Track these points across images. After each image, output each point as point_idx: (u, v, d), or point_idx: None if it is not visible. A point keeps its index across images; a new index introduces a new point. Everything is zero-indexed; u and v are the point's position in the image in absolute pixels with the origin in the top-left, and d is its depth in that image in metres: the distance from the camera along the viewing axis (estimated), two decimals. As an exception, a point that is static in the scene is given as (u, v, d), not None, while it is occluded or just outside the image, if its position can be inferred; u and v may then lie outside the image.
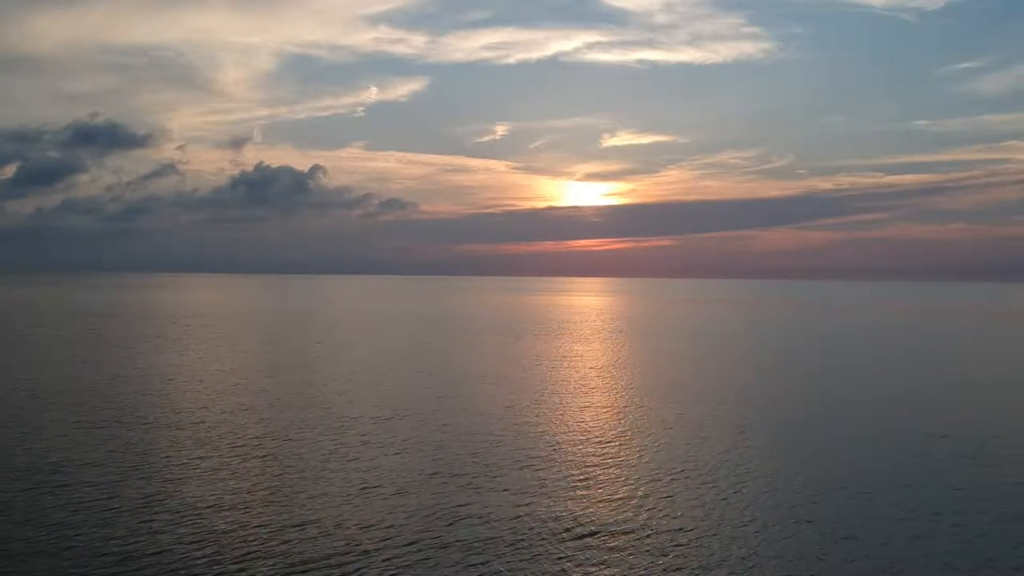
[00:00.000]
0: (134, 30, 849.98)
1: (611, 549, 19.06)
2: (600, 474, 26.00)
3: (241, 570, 17.30)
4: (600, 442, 30.76)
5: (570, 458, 28.07)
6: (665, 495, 23.60)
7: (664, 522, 21.07)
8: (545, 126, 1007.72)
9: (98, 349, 62.09)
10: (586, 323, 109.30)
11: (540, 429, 33.07)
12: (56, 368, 49.71)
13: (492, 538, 19.60)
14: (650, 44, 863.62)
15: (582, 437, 31.65)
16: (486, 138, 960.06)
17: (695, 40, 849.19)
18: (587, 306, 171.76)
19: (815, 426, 35.31)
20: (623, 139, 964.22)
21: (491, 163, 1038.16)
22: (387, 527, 20.28)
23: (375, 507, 21.94)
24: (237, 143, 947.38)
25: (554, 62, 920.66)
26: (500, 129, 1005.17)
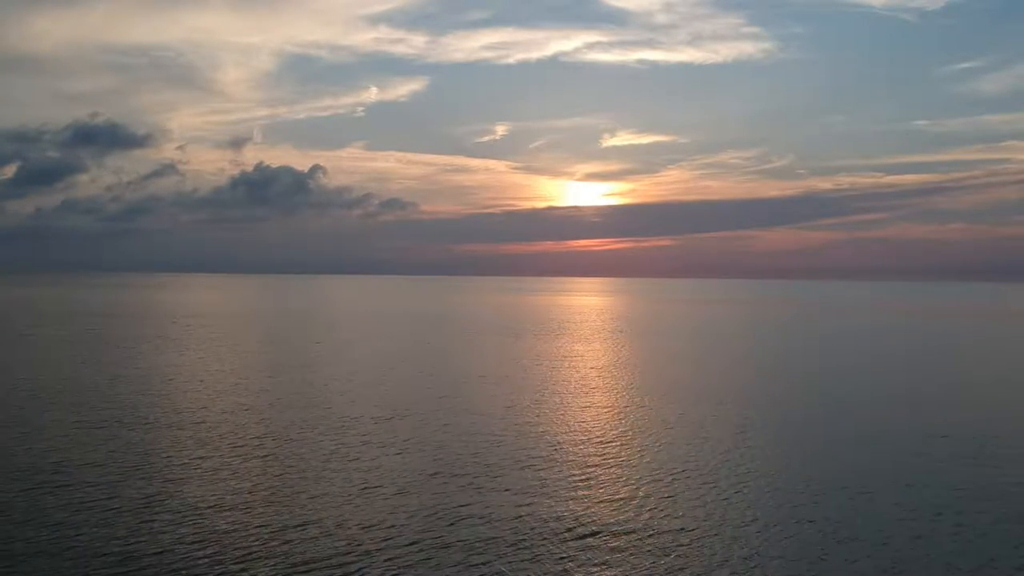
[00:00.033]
0: (134, 30, 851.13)
1: (612, 549, 19.05)
2: (601, 474, 26.00)
3: (242, 570, 17.30)
4: (601, 442, 30.76)
5: (571, 458, 28.07)
6: (666, 495, 23.59)
7: (665, 522, 21.07)
8: (545, 126, 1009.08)
9: (98, 349, 62.07)
10: (586, 323, 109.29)
11: (541, 429, 33.06)
12: (56, 368, 49.70)
13: (493, 538, 19.59)
14: (650, 44, 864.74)
15: (583, 437, 31.64)
16: (486, 138, 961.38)
17: (695, 40, 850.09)
18: (587, 306, 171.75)
19: (815, 426, 35.31)
20: (623, 139, 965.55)
21: (491, 163, 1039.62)
22: (388, 527, 20.28)
23: (376, 507, 21.94)
24: (237, 143, 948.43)
25: (554, 62, 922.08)
26: (500, 129, 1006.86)
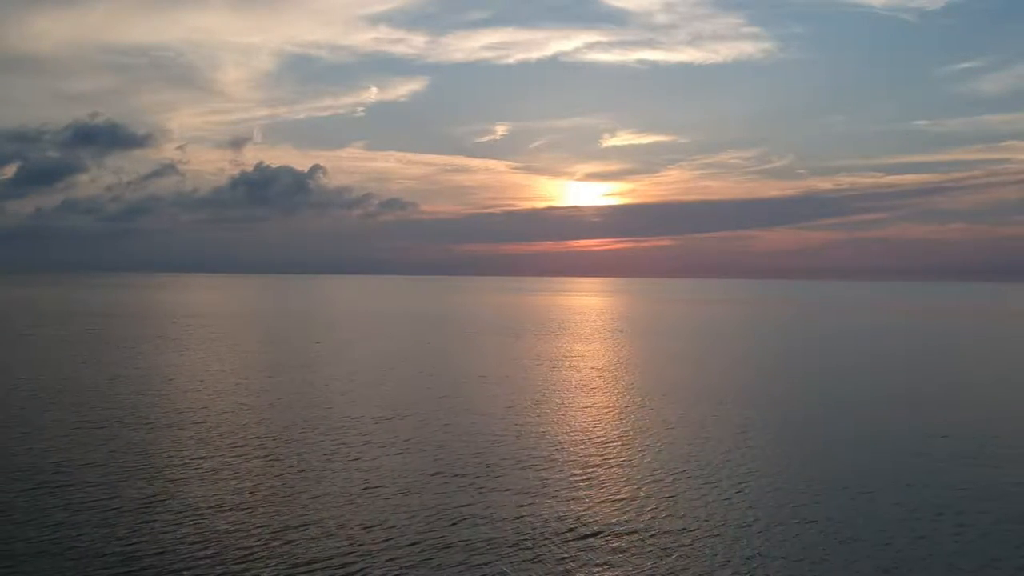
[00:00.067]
0: (134, 30, 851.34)
1: (614, 550, 19.05)
2: (602, 474, 25.99)
3: (243, 571, 17.29)
4: (602, 442, 30.75)
5: (572, 458, 28.06)
6: (667, 495, 23.59)
7: (666, 522, 21.06)
8: (545, 126, 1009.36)
9: (98, 349, 62.06)
10: (586, 323, 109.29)
11: (542, 429, 33.06)
12: (56, 368, 49.69)
13: (495, 538, 19.59)
14: (650, 44, 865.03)
15: (584, 437, 31.64)
16: (486, 138, 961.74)
17: (695, 40, 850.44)
18: (587, 306, 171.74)
19: (815, 426, 35.31)
20: (623, 139, 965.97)
21: (491, 163, 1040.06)
22: (390, 527, 20.27)
23: (377, 507, 21.93)
24: (237, 143, 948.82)
25: (554, 62, 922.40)
26: (500, 129, 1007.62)
